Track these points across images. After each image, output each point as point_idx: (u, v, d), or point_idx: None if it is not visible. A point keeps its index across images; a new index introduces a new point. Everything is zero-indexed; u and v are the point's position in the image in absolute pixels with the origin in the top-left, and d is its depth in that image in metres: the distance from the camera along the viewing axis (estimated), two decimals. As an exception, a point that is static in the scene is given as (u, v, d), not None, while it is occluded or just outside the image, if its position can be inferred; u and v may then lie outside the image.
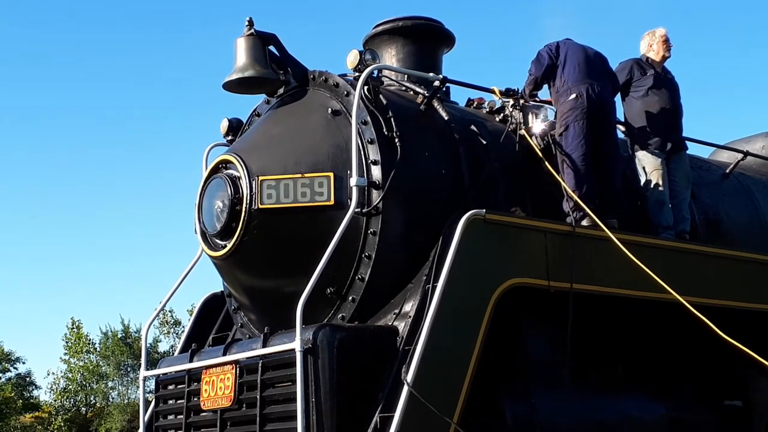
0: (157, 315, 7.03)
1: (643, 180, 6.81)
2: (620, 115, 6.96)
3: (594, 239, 5.79)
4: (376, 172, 5.53)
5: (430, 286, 5.08)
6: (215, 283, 6.55)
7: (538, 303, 5.58)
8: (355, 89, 5.58)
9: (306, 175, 5.54)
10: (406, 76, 6.40)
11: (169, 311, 34.50)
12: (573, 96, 6.32)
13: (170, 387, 6.06)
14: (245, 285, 5.93)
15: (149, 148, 51.13)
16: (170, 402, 6.05)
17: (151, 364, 6.93)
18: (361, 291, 5.45)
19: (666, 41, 7.13)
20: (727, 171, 7.91)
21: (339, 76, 5.99)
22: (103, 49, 49.51)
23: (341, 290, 5.51)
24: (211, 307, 6.78)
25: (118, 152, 51.02)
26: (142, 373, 6.39)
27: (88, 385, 34.60)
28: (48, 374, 35.51)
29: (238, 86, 6.14)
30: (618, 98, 6.85)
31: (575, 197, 6.02)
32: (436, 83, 6.04)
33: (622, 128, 7.14)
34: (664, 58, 7.16)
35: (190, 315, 7.14)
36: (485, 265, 5.27)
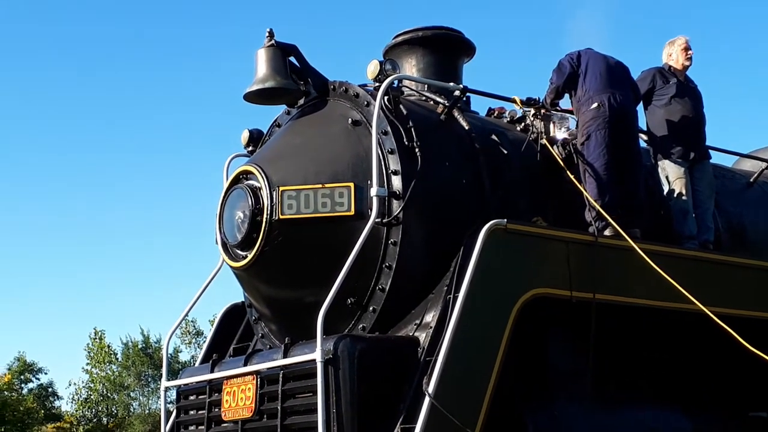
0: (179, 325, 7.04)
1: (666, 189, 6.78)
2: (642, 124, 6.94)
3: (617, 249, 5.77)
4: (397, 182, 5.53)
5: (452, 296, 5.06)
6: (236, 294, 6.58)
7: (560, 313, 5.56)
8: (375, 99, 5.59)
9: (326, 185, 5.55)
10: (426, 86, 6.41)
11: (191, 321, 34.64)
12: (595, 105, 6.30)
13: (191, 397, 6.07)
14: (266, 295, 5.94)
15: (172, 160, 51.41)
16: (191, 412, 6.05)
17: (172, 374, 6.94)
18: (381, 301, 5.45)
19: (686, 49, 7.10)
20: (751, 180, 7.85)
21: (359, 86, 6.00)
22: (129, 61, 49.91)
23: (362, 300, 5.51)
24: (232, 317, 6.80)
25: (140, 164, 51.37)
26: (164, 383, 6.41)
27: (109, 395, 34.75)
28: (69, 384, 35.71)
29: (258, 97, 6.16)
30: (640, 107, 6.82)
31: (597, 207, 6.01)
32: (457, 93, 6.05)
33: (645, 137, 7.11)
34: (685, 67, 7.13)
35: (211, 325, 7.16)
36: (507, 275, 5.25)
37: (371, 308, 5.49)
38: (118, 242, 49.62)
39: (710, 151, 7.16)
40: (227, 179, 6.15)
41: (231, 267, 5.96)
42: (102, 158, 50.80)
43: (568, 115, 6.55)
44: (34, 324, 45.83)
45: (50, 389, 35.62)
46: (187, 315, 7.05)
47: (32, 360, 34.80)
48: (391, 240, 5.47)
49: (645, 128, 7.05)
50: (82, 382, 35.00)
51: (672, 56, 7.10)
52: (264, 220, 5.60)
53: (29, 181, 49.37)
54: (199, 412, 5.90)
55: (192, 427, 6.01)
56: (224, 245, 5.97)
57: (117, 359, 35.37)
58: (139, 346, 35.53)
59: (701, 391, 6.39)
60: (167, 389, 6.45)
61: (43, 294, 48.08)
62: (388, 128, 5.63)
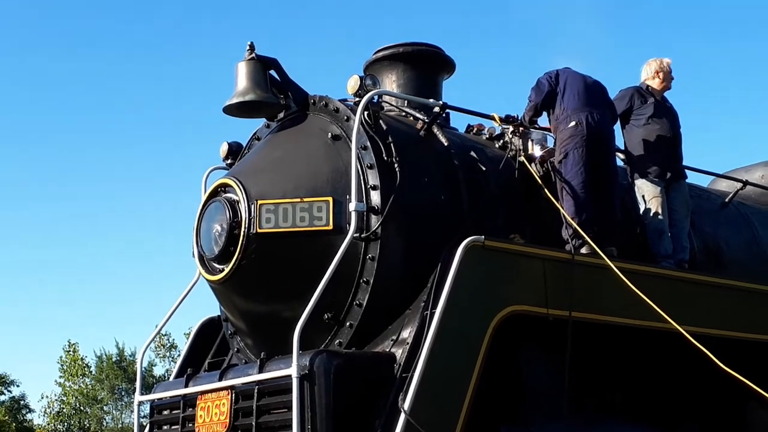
0: (154, 338, 6.96)
1: (642, 208, 6.81)
2: (620, 143, 6.98)
3: (593, 267, 5.79)
4: (376, 197, 5.54)
5: (428, 312, 5.06)
6: (212, 308, 6.58)
7: (536, 331, 5.56)
8: (355, 114, 5.60)
9: (305, 199, 5.55)
10: (406, 101, 6.42)
11: (166, 335, 34.37)
12: (573, 123, 6.33)
13: (165, 412, 6.01)
14: (242, 309, 5.92)
15: (148, 172, 51.16)
16: (165, 427, 5.99)
17: (146, 388, 6.86)
18: (358, 317, 5.44)
19: (670, 72, 7.17)
20: (727, 200, 7.91)
21: (339, 101, 6.01)
22: (107, 75, 49.66)
23: (339, 316, 5.50)
24: (208, 331, 6.75)
25: (116, 175, 51.07)
26: (137, 397, 6.34)
27: (82, 408, 34.38)
28: (42, 397, 35.29)
29: (238, 110, 6.16)
30: (618, 126, 6.86)
31: (574, 224, 6.03)
32: (436, 109, 6.07)
33: (622, 156, 7.15)
34: (665, 89, 7.18)
35: (187, 339, 7.11)
36: (484, 291, 5.27)
37: (348, 323, 5.47)
38: (93, 254, 49.26)
39: (686, 170, 7.21)
40: (205, 192, 6.13)
41: (207, 280, 5.94)
42: (76, 168, 50.51)
43: (546, 133, 6.58)
44: (6, 336, 45.31)
45: (22, 402, 35.20)
46: (162, 328, 7.01)
47: (4, 372, 34.41)
48: (369, 255, 5.47)
49: (622, 147, 7.09)
50: (55, 395, 34.64)
51: (658, 75, 7.13)
52: (242, 233, 5.59)
53: (-2, 190, 48.89)
54: (173, 427, 5.84)
55: (165, 442, 5.95)
56: (201, 258, 5.95)
57: (91, 372, 35.02)
58: (114, 360, 35.19)
59: (677, 410, 6.40)
60: (141, 403, 6.38)
61: (16, 305, 47.57)
62: (368, 143, 5.64)
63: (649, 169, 6.86)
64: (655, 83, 7.17)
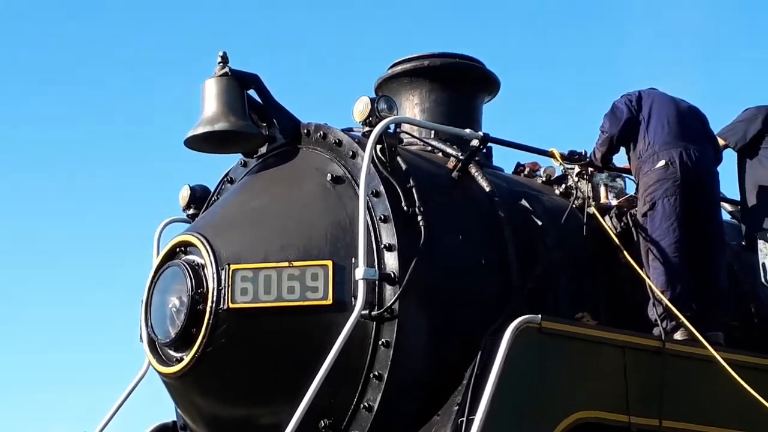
0: (85, 455, 6.94)
1: (762, 278, 6.75)
2: (726, 188, 6.97)
3: (691, 359, 5.79)
4: (392, 260, 5.51)
5: (464, 419, 5.02)
6: (166, 411, 6.52)
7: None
8: (364, 149, 5.60)
9: (295, 263, 5.53)
10: (433, 132, 6.43)
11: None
12: (662, 163, 6.32)
13: None
14: (207, 414, 5.86)
15: (82, 228, 51.07)
16: None
17: None
18: (368, 425, 5.38)
19: None
20: None
21: (342, 131, 6.02)
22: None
23: (340, 423, 5.44)
24: (159, 444, 6.67)
25: (51, 235, 51.11)
26: None
27: None
28: None
29: (205, 143, 6.19)
30: (726, 162, 6.84)
31: (665, 300, 5.98)
32: (475, 142, 6.06)
33: (729, 208, 7.11)
34: None
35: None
36: (541, 392, 5.25)
37: (353, 434, 5.41)
38: (13, 344, 49.14)
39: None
40: (159, 253, 6.13)
41: (160, 373, 5.89)
42: None
43: (625, 175, 6.57)
44: None
45: None
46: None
47: None
48: (383, 340, 5.42)
49: (728, 194, 7.05)
50: None
51: None
52: (208, 309, 5.56)
53: None
54: None
55: None
56: (151, 343, 5.92)
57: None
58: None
59: None
60: None
61: None
62: (381, 188, 5.63)
63: (774, 224, 6.80)
64: None
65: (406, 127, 6.32)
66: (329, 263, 5.51)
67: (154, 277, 5.94)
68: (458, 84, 6.79)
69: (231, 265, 5.56)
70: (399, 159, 5.78)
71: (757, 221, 6.90)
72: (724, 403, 5.77)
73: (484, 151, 6.38)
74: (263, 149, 6.31)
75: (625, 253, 6.11)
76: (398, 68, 6.79)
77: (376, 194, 5.64)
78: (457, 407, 5.12)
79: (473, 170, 6.07)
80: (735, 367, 5.72)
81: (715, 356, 5.72)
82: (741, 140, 6.96)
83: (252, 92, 6.19)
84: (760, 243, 6.81)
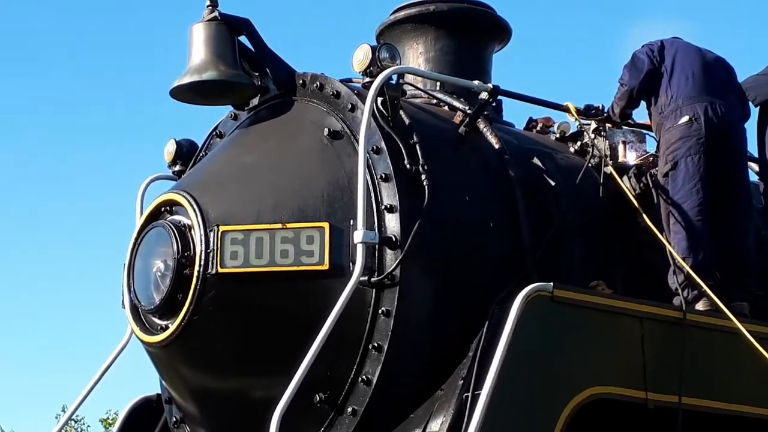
0: (63, 427, 6.97)
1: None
2: (752, 147, 6.96)
3: (714, 331, 5.80)
4: (393, 223, 5.52)
5: (470, 394, 5.05)
6: (149, 383, 6.53)
7: (630, 423, 5.55)
8: (363, 101, 5.60)
9: (289, 225, 5.54)
10: (439, 83, 6.43)
11: (79, 421, 34.37)
12: (685, 119, 6.31)
13: None
14: (193, 386, 5.89)
15: (63, 176, 50.98)
16: None
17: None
18: (366, 399, 5.41)
19: None
20: None
21: (341, 81, 6.02)
22: None
23: (337, 397, 5.47)
24: (142, 417, 6.72)
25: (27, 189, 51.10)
26: None
27: None
28: None
29: (192, 93, 6.18)
30: (752, 122, 6.83)
31: (687, 268, 6.00)
32: (484, 95, 6.06)
33: (756, 167, 7.11)
34: None
35: (106, 428, 7.12)
36: (552, 365, 5.27)
37: (350, 409, 5.44)
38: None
39: None
40: (142, 213, 6.14)
41: (143, 342, 5.92)
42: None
43: (645, 132, 6.58)
44: None
45: None
46: (74, 413, 6.97)
47: None
48: (383, 309, 5.44)
49: (755, 153, 7.06)
50: None
51: None
52: (195, 274, 5.58)
53: None
54: None
55: None
56: (134, 310, 5.94)
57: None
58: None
59: None
60: None
61: None
62: (382, 144, 5.63)
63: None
64: None
65: (409, 78, 6.30)
66: (326, 225, 5.52)
67: (137, 238, 5.96)
68: (466, 31, 6.77)
69: (220, 227, 5.57)
70: (402, 113, 5.77)
71: None
72: (749, 378, 5.80)
73: (494, 104, 6.38)
74: (255, 101, 6.30)
75: (645, 216, 6.12)
76: (401, 14, 6.77)
77: (377, 151, 5.64)
78: (461, 381, 5.14)
79: (482, 125, 6.06)
80: (761, 340, 5.74)
81: (739, 328, 5.74)
82: (763, 95, 6.93)
83: (243, 39, 6.18)
84: None
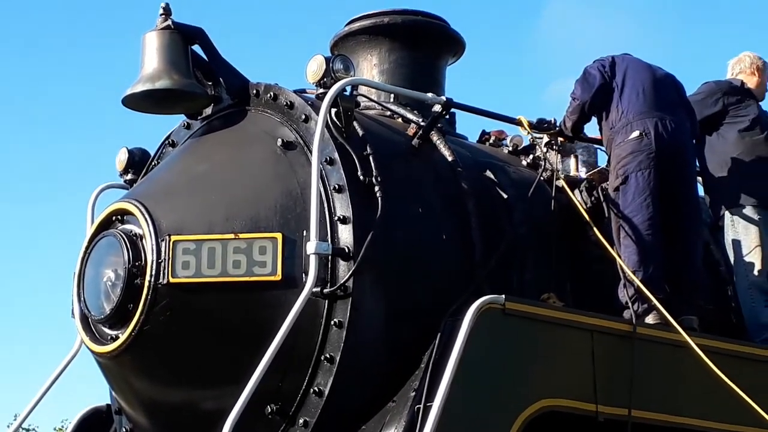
0: (10, 438, 6.93)
1: (734, 258, 6.80)
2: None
3: (663, 344, 5.83)
4: (346, 234, 5.51)
5: (422, 406, 5.04)
6: (99, 393, 6.48)
7: (579, 437, 5.54)
8: (317, 112, 5.59)
9: (241, 235, 5.52)
10: (393, 95, 6.45)
11: (32, 430, 34.03)
12: (636, 134, 6.34)
13: None
14: (144, 397, 5.85)
15: (13, 191, 50.52)
16: None
17: None
18: (317, 411, 5.39)
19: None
20: None
21: (294, 92, 6.00)
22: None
23: (288, 409, 5.45)
24: (92, 427, 6.68)
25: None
26: None
27: None
28: None
29: (145, 102, 6.15)
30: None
31: (637, 281, 6.02)
32: (437, 107, 6.05)
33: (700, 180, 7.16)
34: (763, 93, 7.26)
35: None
36: (503, 378, 5.27)
37: (302, 420, 5.43)
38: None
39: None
40: (93, 222, 6.11)
41: (93, 352, 5.88)
42: None
43: (596, 146, 6.62)
44: None
45: None
46: (23, 422, 6.90)
47: None
48: (335, 320, 5.43)
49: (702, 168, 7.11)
50: None
51: (748, 72, 7.18)
52: (146, 284, 5.55)
53: None
54: None
55: None
56: (84, 320, 5.90)
57: None
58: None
59: None
60: None
61: None
62: (336, 155, 5.63)
63: (747, 199, 6.85)
64: (753, 82, 7.21)
65: (363, 89, 6.35)
66: (278, 236, 5.51)
67: (87, 247, 5.92)
68: (420, 44, 6.79)
69: (171, 236, 5.55)
70: (355, 124, 5.76)
71: (723, 194, 6.94)
72: (698, 391, 5.83)
73: (447, 117, 6.38)
74: (208, 110, 6.28)
75: (596, 229, 6.13)
76: (356, 25, 6.78)
77: (330, 162, 5.63)
78: (413, 393, 5.14)
79: (435, 138, 6.07)
80: (709, 353, 5.77)
81: (688, 342, 5.76)
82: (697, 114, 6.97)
83: (197, 48, 6.16)
84: (727, 218, 6.86)
